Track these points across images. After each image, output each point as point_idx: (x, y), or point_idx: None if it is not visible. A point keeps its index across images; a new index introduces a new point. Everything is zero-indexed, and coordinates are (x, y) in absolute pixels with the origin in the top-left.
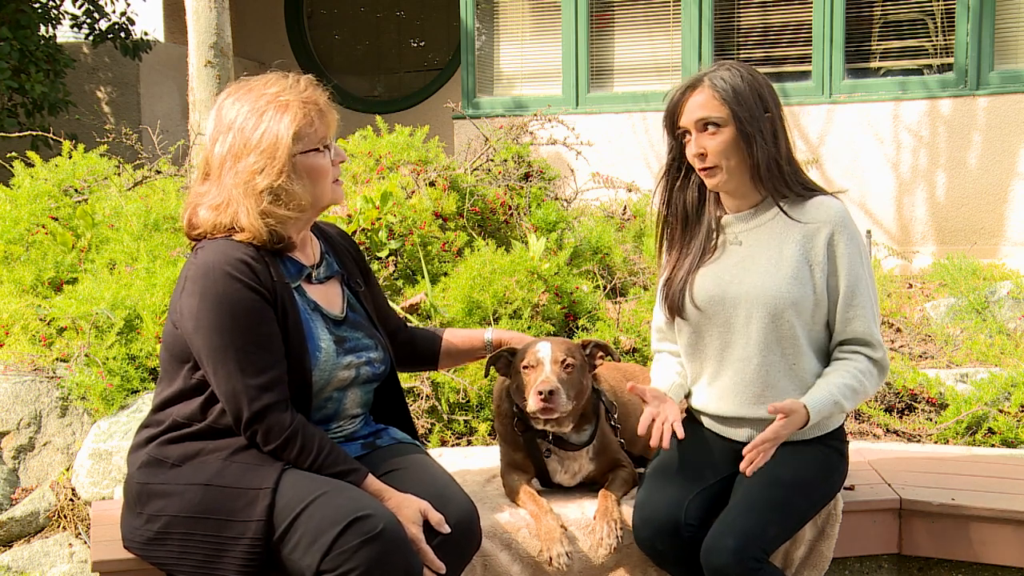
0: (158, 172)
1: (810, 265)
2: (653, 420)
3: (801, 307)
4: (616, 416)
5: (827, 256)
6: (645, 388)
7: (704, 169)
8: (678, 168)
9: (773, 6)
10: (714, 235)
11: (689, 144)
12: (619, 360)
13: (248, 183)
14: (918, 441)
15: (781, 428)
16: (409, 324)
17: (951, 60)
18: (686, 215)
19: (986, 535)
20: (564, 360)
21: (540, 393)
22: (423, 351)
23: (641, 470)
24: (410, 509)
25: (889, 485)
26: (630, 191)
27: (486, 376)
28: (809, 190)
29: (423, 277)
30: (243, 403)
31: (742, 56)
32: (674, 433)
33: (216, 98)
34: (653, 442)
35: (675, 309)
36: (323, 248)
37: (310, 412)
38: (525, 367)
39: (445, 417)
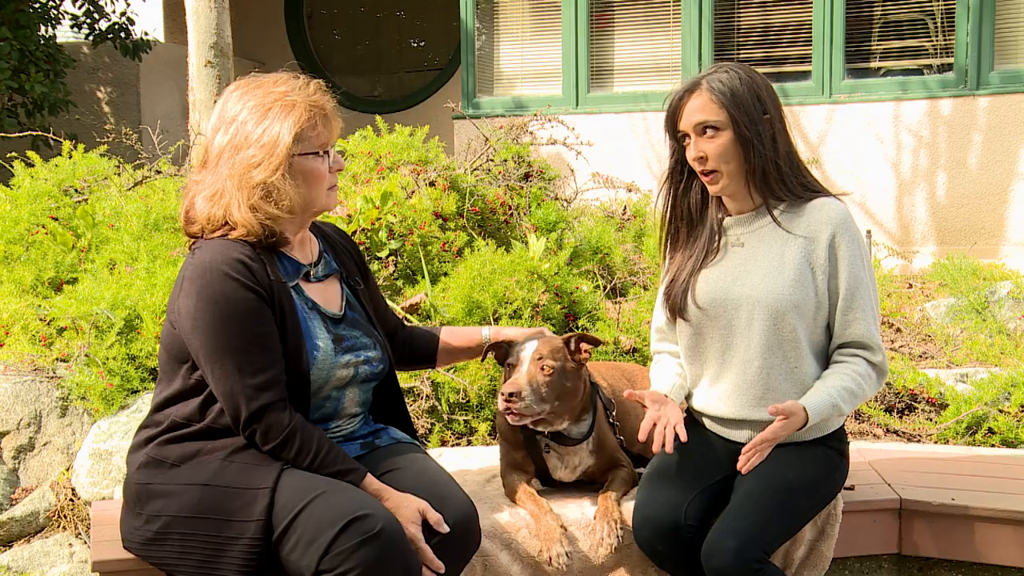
0: (158, 172)
1: (812, 268)
2: (655, 424)
3: (803, 310)
4: (614, 414)
5: (828, 258)
6: (644, 393)
7: (705, 173)
8: (681, 172)
9: (773, 6)
10: (716, 237)
11: (689, 148)
12: (601, 344)
13: (243, 175)
14: (918, 441)
15: (780, 429)
16: (407, 323)
17: (951, 60)
18: (690, 218)
19: (986, 535)
20: (543, 360)
21: (503, 394)
22: (421, 350)
23: (640, 470)
24: (409, 509)
25: (889, 485)
26: (630, 191)
27: (482, 360)
28: (811, 191)
29: (423, 277)
30: (241, 403)
31: (742, 56)
32: (676, 435)
33: (216, 98)
34: (655, 447)
35: (676, 310)
36: (321, 246)
37: (309, 411)
38: (509, 364)
39: (445, 417)
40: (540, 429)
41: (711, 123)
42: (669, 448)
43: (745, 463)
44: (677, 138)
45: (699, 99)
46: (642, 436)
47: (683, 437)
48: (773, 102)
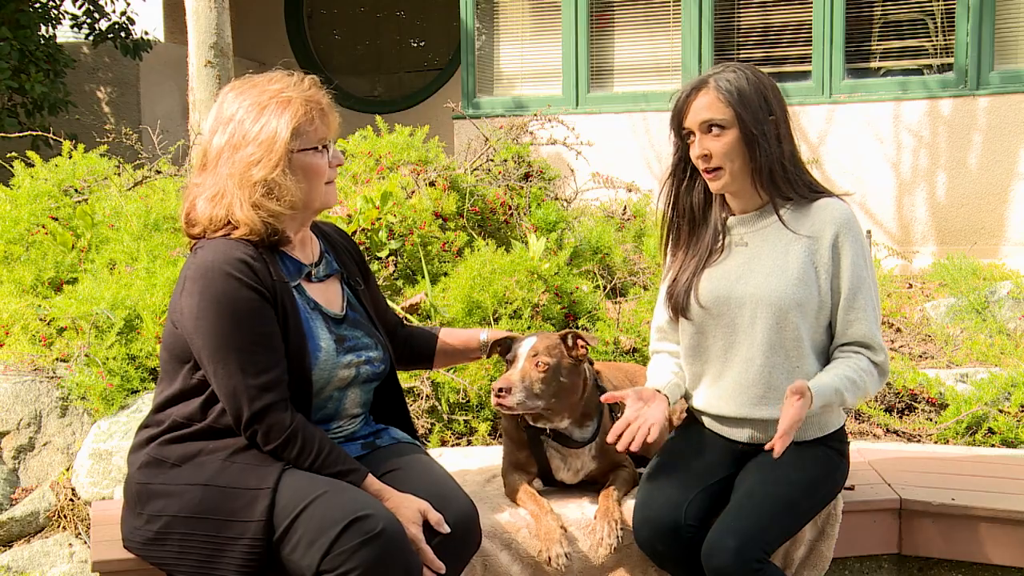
0: (158, 172)
1: (815, 267)
2: (628, 425)
3: (806, 308)
4: (619, 415)
5: (832, 257)
6: (626, 392)
7: (708, 171)
8: (684, 169)
9: (773, 6)
10: (720, 237)
11: (694, 145)
12: (594, 343)
13: (244, 174)
14: (918, 441)
15: (801, 408)
16: (406, 323)
17: (951, 60)
18: (692, 216)
19: (986, 535)
20: (538, 357)
21: (494, 389)
22: (419, 350)
23: (642, 470)
24: (410, 509)
25: (889, 485)
26: (630, 191)
27: (488, 356)
28: (815, 192)
29: (423, 277)
30: (243, 403)
31: (742, 56)
32: (674, 431)
33: (217, 97)
34: (621, 446)
35: (679, 309)
36: (322, 247)
37: (310, 412)
38: (508, 360)
39: (445, 417)
40: (540, 425)
41: (717, 121)
42: (635, 448)
43: (780, 449)
44: (681, 135)
45: (706, 97)
46: (611, 438)
47: (651, 438)
48: (779, 103)
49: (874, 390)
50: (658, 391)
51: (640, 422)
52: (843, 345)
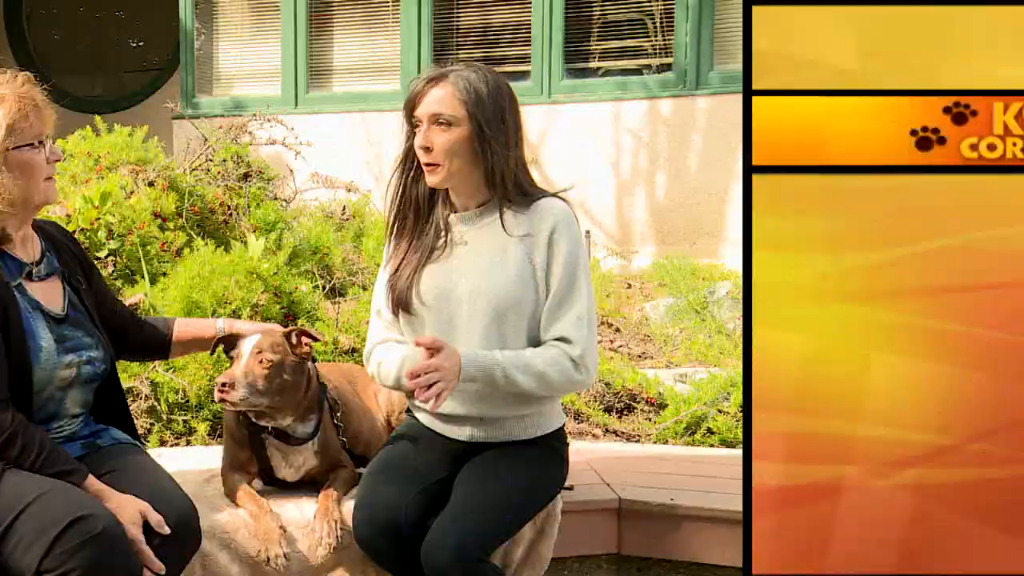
0: None
1: (533, 265)
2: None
3: (523, 306)
4: (339, 415)
5: (547, 254)
6: (432, 338)
7: (428, 165)
8: (412, 159)
9: (492, 6)
10: (443, 234)
11: (419, 135)
12: (320, 338)
13: None
14: (637, 441)
15: (438, 361)
16: (139, 316)
17: (671, 60)
18: (418, 207)
19: (703, 535)
20: (262, 354)
21: (216, 384)
22: (153, 341)
23: (362, 470)
24: (130, 510)
25: (608, 485)
26: (349, 191)
27: (212, 353)
28: (537, 196)
29: (142, 277)
30: None
31: (462, 56)
32: (394, 431)
33: None
34: (411, 385)
35: (401, 304)
36: (44, 246)
37: (31, 412)
38: (231, 356)
39: (164, 417)
40: (263, 423)
41: (446, 117)
42: (433, 405)
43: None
44: (412, 123)
45: (442, 91)
46: (408, 376)
47: (444, 396)
48: (513, 112)
49: (566, 383)
50: (455, 350)
51: (444, 378)
52: (546, 341)
